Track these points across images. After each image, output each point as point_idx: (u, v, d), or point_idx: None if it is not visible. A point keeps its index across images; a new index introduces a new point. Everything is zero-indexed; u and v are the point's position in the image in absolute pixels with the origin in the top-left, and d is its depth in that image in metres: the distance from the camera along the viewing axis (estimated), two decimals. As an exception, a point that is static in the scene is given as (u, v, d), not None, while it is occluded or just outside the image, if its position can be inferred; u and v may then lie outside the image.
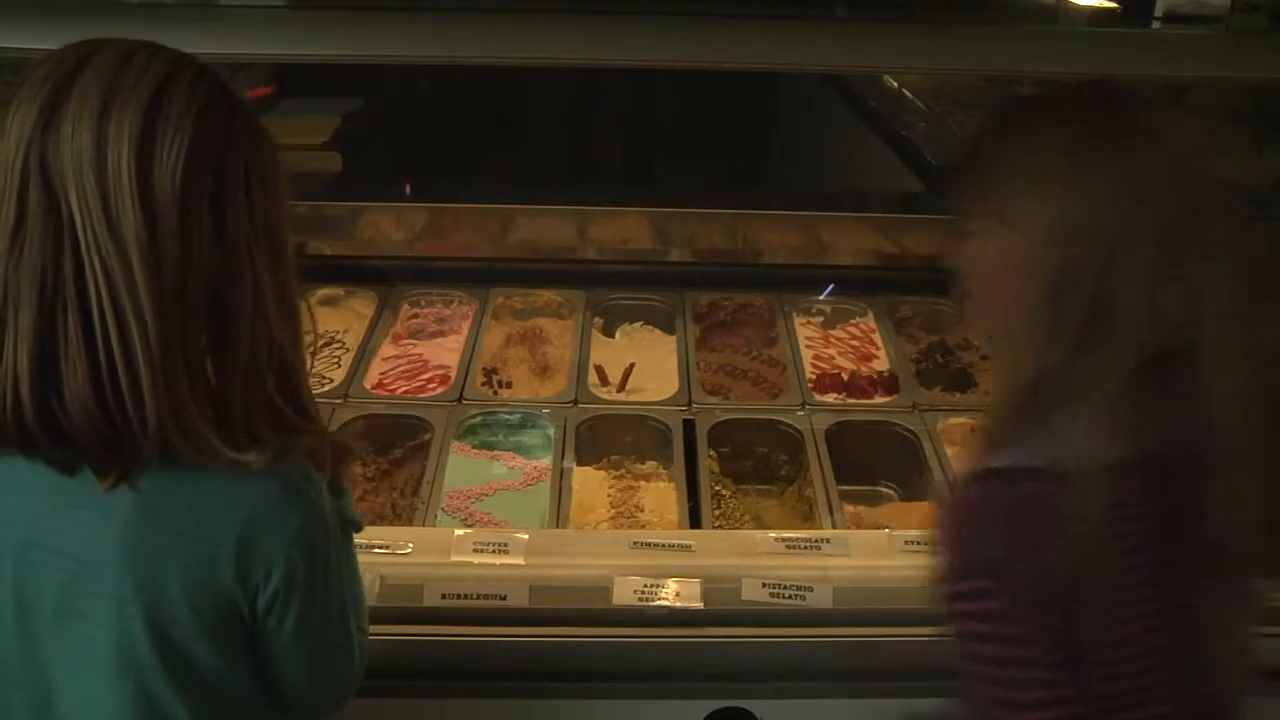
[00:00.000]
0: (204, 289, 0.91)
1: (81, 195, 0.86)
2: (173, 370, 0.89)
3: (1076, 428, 0.95)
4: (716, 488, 1.81)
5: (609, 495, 1.80)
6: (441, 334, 2.24)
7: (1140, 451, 0.97)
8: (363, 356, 2.12)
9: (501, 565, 1.51)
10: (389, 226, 2.39)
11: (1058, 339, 0.95)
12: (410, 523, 1.70)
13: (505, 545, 1.53)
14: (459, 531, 1.58)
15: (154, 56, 0.91)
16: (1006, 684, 0.98)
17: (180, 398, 0.90)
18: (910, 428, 1.91)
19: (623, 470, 1.87)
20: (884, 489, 1.92)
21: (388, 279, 2.37)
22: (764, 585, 1.47)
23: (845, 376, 2.06)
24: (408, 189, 2.48)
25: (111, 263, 0.86)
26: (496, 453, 1.88)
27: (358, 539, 1.20)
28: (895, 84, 3.81)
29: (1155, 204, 0.93)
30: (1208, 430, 0.96)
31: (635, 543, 1.56)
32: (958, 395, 2.04)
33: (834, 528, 1.65)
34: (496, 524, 1.69)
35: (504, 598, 1.47)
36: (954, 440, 1.90)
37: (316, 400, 1.08)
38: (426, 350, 2.17)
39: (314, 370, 2.00)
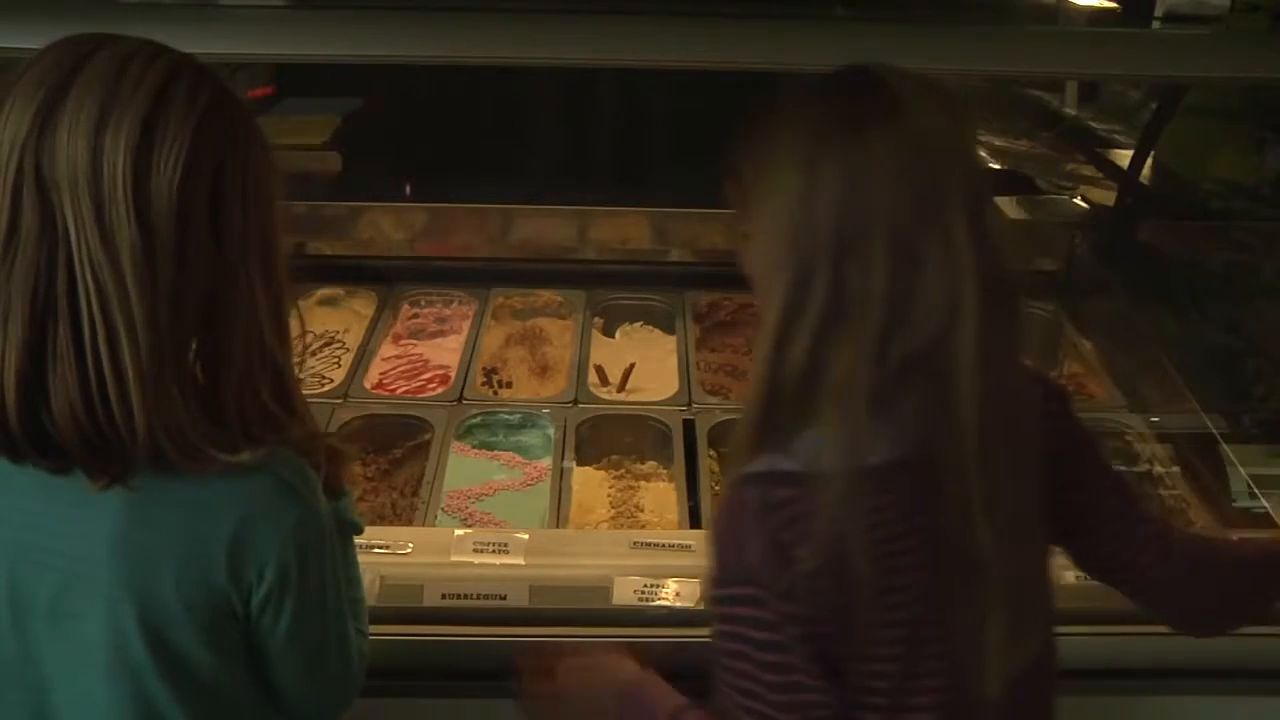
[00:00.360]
0: (199, 299, 0.91)
1: (76, 205, 0.85)
2: (163, 381, 0.88)
3: (828, 431, 0.94)
4: (716, 488, 1.81)
5: (609, 495, 1.80)
6: (441, 334, 2.24)
7: (908, 455, 0.95)
8: (363, 356, 2.11)
9: (501, 565, 1.51)
10: (389, 226, 2.39)
11: (801, 337, 0.93)
12: (410, 523, 1.70)
13: (505, 545, 1.53)
14: (459, 531, 1.58)
15: (153, 61, 0.89)
16: (767, 688, 0.97)
17: (171, 408, 0.89)
18: (910, 428, 1.90)
19: (623, 470, 1.87)
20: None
21: (388, 279, 2.37)
22: (764, 585, 1.47)
23: (845, 376, 2.05)
24: (408, 189, 2.48)
25: (104, 274, 0.85)
26: (496, 453, 1.88)
27: (358, 539, 1.20)
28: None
29: (889, 196, 0.90)
30: (958, 433, 0.94)
31: (635, 543, 1.56)
32: (958, 395, 2.04)
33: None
34: (496, 524, 1.69)
35: (504, 598, 1.47)
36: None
37: (316, 400, 1.08)
38: (426, 350, 2.17)
39: (314, 370, 2.02)
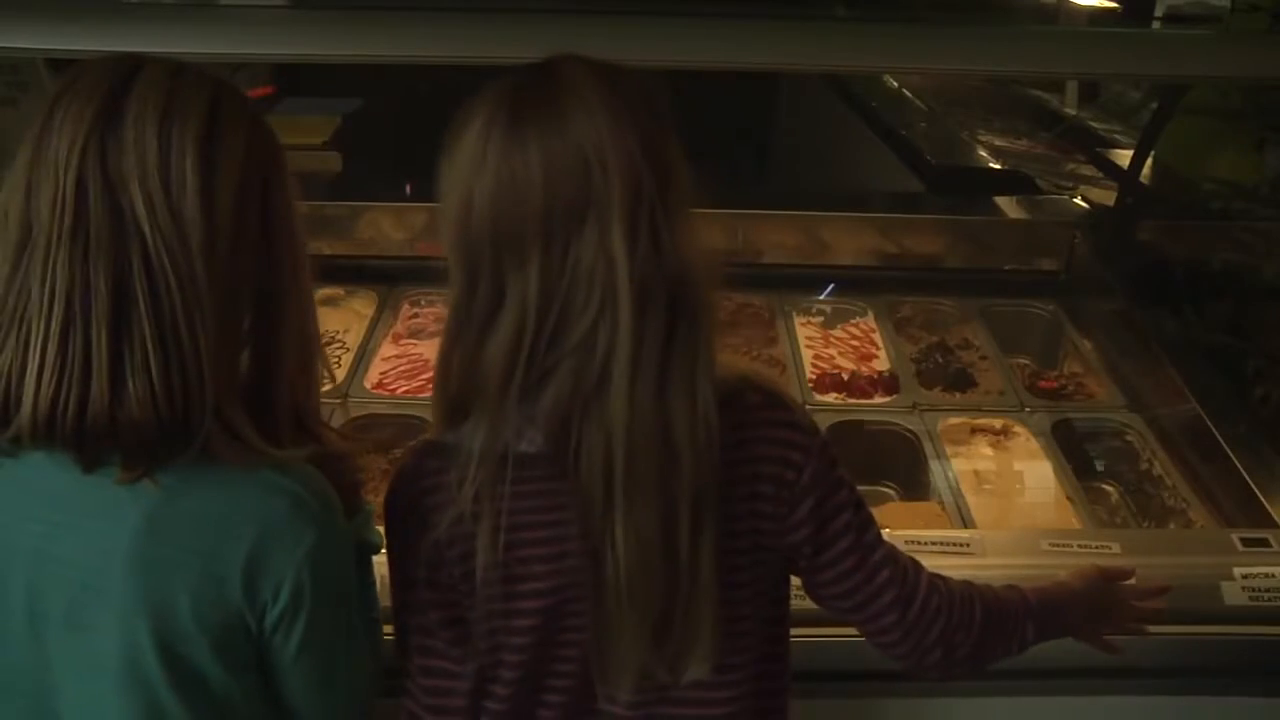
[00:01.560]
0: (251, 298, 0.96)
1: (147, 197, 0.88)
2: (224, 370, 0.93)
3: (481, 415, 0.95)
4: (716, 488, 1.80)
5: (609, 495, 1.79)
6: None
7: (558, 455, 0.94)
8: (363, 356, 2.11)
9: (501, 565, 1.51)
10: (389, 226, 2.39)
11: (469, 331, 0.95)
12: (410, 523, 1.69)
13: (505, 545, 1.53)
14: (459, 531, 1.57)
15: (201, 71, 0.94)
16: (408, 629, 1.06)
17: (231, 399, 0.93)
18: (910, 428, 1.91)
19: (623, 470, 1.87)
20: (884, 489, 1.92)
21: (388, 279, 2.37)
22: (764, 585, 1.47)
23: (845, 376, 2.06)
24: (408, 189, 2.48)
25: (180, 262, 0.89)
26: (496, 453, 1.88)
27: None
28: (895, 84, 3.81)
29: (539, 198, 0.90)
30: (603, 437, 0.92)
31: (635, 543, 1.56)
32: (958, 395, 2.05)
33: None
34: (496, 524, 1.68)
35: (504, 598, 1.46)
36: (954, 440, 1.90)
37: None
38: (427, 350, 2.17)
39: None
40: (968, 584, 1.16)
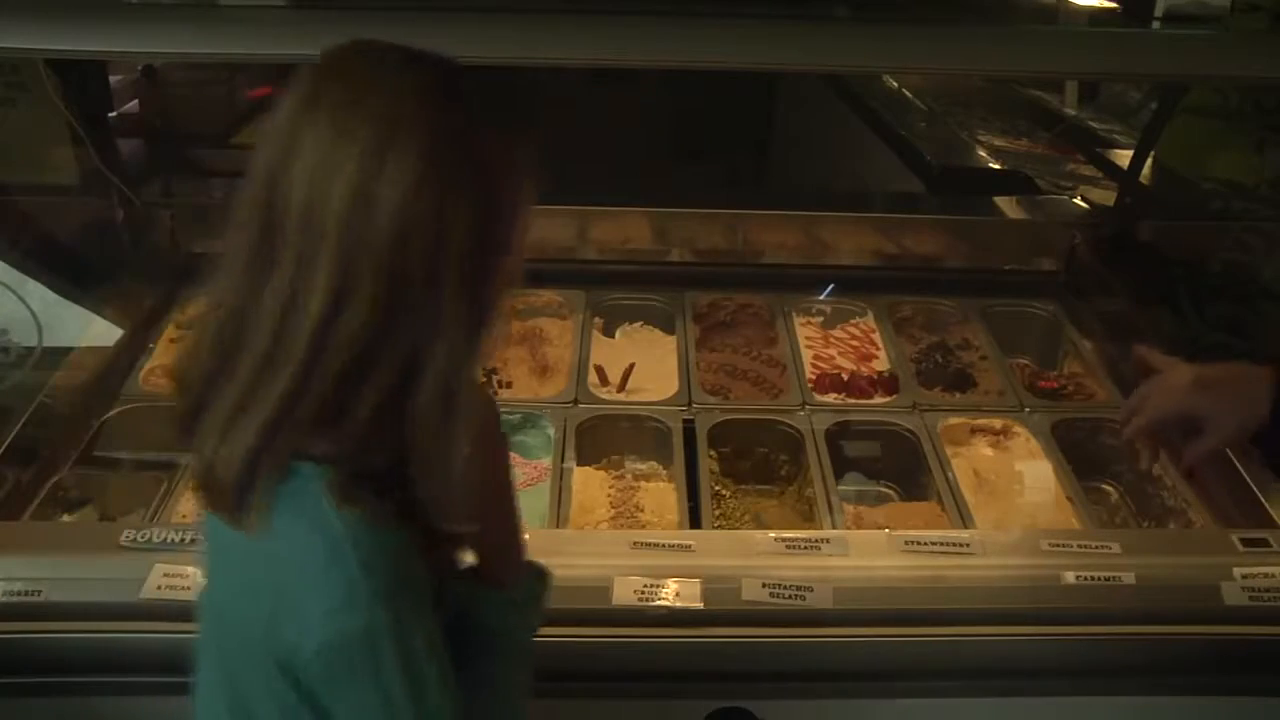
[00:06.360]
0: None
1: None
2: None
3: None
4: (716, 488, 1.81)
5: (609, 495, 1.80)
6: (441, 334, 2.24)
7: None
8: (363, 356, 2.11)
9: (501, 565, 1.51)
10: (389, 226, 2.39)
11: None
12: (410, 523, 1.70)
13: (505, 545, 1.53)
14: (459, 531, 1.58)
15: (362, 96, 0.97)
16: None
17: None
18: (910, 428, 1.91)
19: (623, 470, 1.87)
20: (884, 489, 1.92)
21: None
22: (764, 585, 1.47)
23: (845, 376, 2.06)
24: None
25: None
26: (496, 453, 1.88)
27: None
28: (895, 84, 3.81)
29: None
30: None
31: (635, 543, 1.56)
32: (958, 395, 2.05)
33: (833, 528, 1.65)
34: (496, 524, 1.68)
35: (504, 598, 1.46)
36: (954, 440, 1.90)
37: None
38: (426, 350, 2.17)
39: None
40: None
